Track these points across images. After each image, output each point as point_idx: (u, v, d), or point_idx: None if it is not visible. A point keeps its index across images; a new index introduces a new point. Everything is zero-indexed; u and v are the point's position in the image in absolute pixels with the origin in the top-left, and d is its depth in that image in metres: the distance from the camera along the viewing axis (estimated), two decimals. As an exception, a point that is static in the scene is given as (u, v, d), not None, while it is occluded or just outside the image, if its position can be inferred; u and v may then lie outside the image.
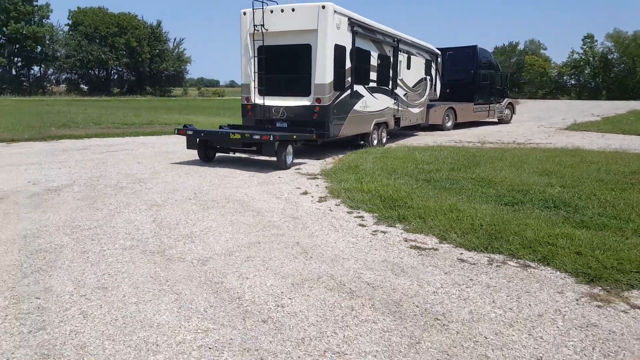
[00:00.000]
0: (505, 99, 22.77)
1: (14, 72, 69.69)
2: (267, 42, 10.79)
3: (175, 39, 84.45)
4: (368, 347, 2.89)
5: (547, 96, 71.68)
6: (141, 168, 9.37)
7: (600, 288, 3.85)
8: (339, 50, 10.68)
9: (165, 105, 40.54)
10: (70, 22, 71.81)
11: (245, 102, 11.41)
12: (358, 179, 7.89)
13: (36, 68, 72.06)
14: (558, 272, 4.17)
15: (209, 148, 10.44)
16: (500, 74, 22.68)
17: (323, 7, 10.11)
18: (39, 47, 68.85)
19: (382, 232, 5.35)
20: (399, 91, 14.46)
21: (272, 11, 10.66)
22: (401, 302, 3.53)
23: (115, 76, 77.91)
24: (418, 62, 16.05)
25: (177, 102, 51.29)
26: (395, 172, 8.54)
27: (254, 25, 10.74)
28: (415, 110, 16.29)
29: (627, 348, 2.95)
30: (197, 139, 10.18)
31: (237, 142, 9.62)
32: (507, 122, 23.03)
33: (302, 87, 10.73)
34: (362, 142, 12.57)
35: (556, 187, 7.12)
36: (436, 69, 18.13)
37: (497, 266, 4.31)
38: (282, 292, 3.67)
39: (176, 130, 10.54)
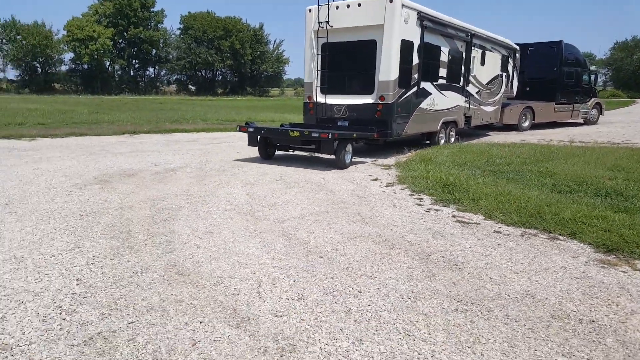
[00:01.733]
0: (593, 99, 21.46)
1: (131, 73, 77.63)
2: (332, 39, 10.71)
3: (275, 41, 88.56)
4: (393, 275, 3.90)
5: (676, 95, 65.31)
6: (239, 156, 10.90)
7: (614, 257, 4.48)
8: (406, 45, 10.41)
9: (264, 105, 43.18)
10: (181, 26, 78.36)
11: (308, 101, 11.35)
12: (427, 169, 8.71)
13: (151, 69, 79.87)
14: (581, 244, 4.82)
15: (269, 145, 10.47)
16: (589, 72, 21.30)
17: (391, 1, 9.87)
18: (153, 50, 76.05)
19: (435, 210, 6.23)
20: (471, 88, 13.98)
21: (337, 7, 10.52)
22: (430, 254, 4.46)
23: (220, 77, 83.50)
24: (493, 58, 15.37)
25: (274, 102, 54.15)
26: (465, 164, 9.23)
27: (319, 22, 10.64)
28: (489, 108, 15.71)
29: (606, 291, 3.67)
30: (258, 137, 10.33)
31: (296, 139, 9.65)
32: (594, 123, 21.71)
33: (365, 84, 10.54)
34: (427, 142, 12.45)
35: (619, 179, 7.44)
36: (514, 66, 17.38)
37: (527, 237, 5.06)
38: (338, 242, 4.76)
39: (238, 128, 10.66)
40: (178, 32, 79.56)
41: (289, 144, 10.25)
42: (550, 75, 19.50)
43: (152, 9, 74.53)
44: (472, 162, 9.27)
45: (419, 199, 6.85)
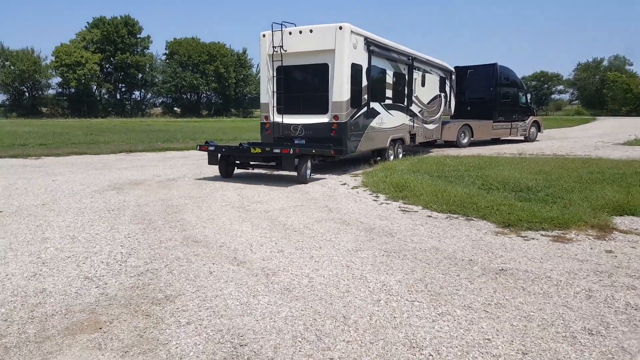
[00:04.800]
0: (530, 117, 22.98)
1: (118, 96, 78.95)
2: (286, 62, 11.29)
3: (258, 65, 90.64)
4: (345, 238, 5.59)
5: (632, 113, 69.24)
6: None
7: (508, 230, 6.19)
8: (356, 68, 11.12)
9: (248, 126, 44.81)
10: (167, 51, 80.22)
11: (264, 121, 11.92)
12: (386, 175, 10.39)
13: (137, 93, 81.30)
14: (488, 222, 6.54)
15: (229, 164, 10.86)
16: (525, 92, 23.02)
17: (340, 27, 10.57)
18: (140, 74, 77.61)
19: (386, 203, 7.94)
20: (414, 108, 15.01)
21: (290, 33, 11.14)
22: (374, 228, 6.15)
23: (204, 100, 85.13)
24: (432, 80, 16.65)
25: (257, 122, 55.83)
26: (419, 171, 10.96)
27: (273, 47, 11.23)
28: (431, 126, 16.96)
29: (490, 247, 5.37)
30: (219, 155, 10.68)
31: (257, 156, 10.10)
32: (533, 140, 23.16)
33: (319, 105, 11.14)
34: (378, 158, 13.20)
35: (536, 180, 9.23)
36: (450, 86, 18.77)
37: (449, 219, 6.77)
38: (309, 223, 6.43)
39: (198, 147, 11.04)
40: (164, 57, 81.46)
41: (249, 162, 10.67)
42: (488, 96, 20.93)
43: (138, 35, 76.48)
44: (424, 170, 11.01)
45: (376, 197, 8.55)
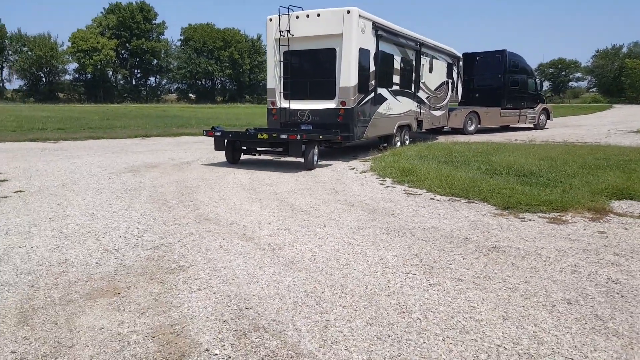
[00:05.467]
0: (540, 105, 22.62)
1: (133, 82, 79.72)
2: (293, 47, 11.24)
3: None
4: (349, 218, 5.87)
5: (651, 101, 68.26)
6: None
7: (507, 212, 6.41)
8: (363, 53, 11.06)
9: (261, 112, 45.04)
10: (182, 37, 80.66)
11: (271, 106, 11.89)
12: (394, 160, 10.63)
13: (152, 79, 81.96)
14: (489, 205, 6.76)
15: (236, 150, 10.81)
16: (534, 80, 22.65)
17: (348, 12, 10.50)
18: (155, 60, 78.18)
19: (392, 186, 8.19)
20: (422, 94, 14.93)
21: (297, 17, 11.05)
22: (378, 209, 6.42)
23: (219, 86, 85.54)
24: (440, 66, 16.51)
25: (271, 109, 56.16)
26: (426, 156, 11.16)
27: (280, 31, 11.16)
28: (438, 113, 16.85)
29: (486, 226, 5.61)
30: (225, 140, 10.67)
31: (264, 142, 10.04)
32: (542, 128, 22.86)
33: (327, 90, 11.09)
34: (385, 145, 13.12)
35: (541, 165, 9.38)
36: (458, 73, 18.58)
37: (451, 202, 7.00)
38: (315, 204, 6.72)
39: (204, 132, 11.04)
40: (179, 43, 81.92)
41: (256, 147, 10.60)
42: (496, 83, 20.71)
43: (154, 21, 76.90)
44: (432, 155, 11.20)
45: (383, 180, 8.80)
